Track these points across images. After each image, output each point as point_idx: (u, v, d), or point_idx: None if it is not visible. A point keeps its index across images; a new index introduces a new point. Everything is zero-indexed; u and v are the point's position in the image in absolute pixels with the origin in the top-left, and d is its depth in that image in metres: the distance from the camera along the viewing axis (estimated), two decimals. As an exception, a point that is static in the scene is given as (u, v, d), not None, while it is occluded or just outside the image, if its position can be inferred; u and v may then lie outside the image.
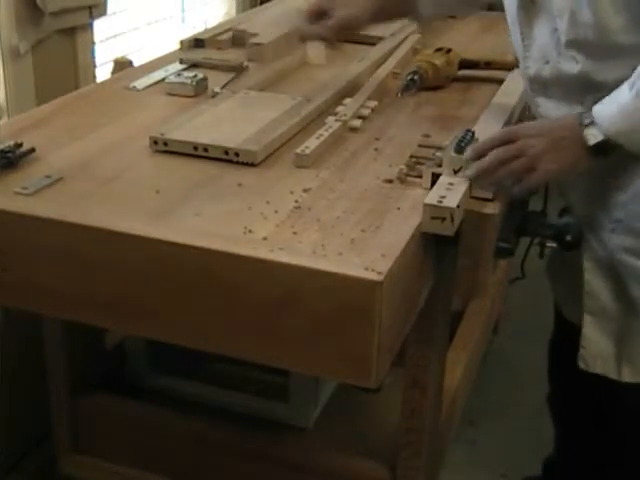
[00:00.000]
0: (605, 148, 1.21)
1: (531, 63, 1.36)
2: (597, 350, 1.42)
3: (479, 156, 1.24)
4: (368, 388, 1.10)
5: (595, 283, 1.39)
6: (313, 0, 1.57)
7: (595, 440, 1.64)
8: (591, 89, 1.26)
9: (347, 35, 1.59)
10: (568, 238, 1.41)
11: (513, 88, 1.64)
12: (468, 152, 1.25)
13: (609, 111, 1.20)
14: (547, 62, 1.33)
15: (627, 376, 1.41)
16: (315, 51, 1.56)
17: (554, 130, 1.25)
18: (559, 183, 1.44)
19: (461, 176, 1.23)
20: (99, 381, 1.73)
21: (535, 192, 1.34)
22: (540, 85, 1.36)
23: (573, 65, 1.28)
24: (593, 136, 1.20)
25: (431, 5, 1.56)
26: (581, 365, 1.44)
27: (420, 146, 1.37)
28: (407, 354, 1.43)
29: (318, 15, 1.54)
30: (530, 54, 1.36)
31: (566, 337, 1.55)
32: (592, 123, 1.20)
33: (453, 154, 1.25)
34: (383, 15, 1.59)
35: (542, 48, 1.33)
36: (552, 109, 1.34)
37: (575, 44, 1.27)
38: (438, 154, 1.29)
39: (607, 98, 1.21)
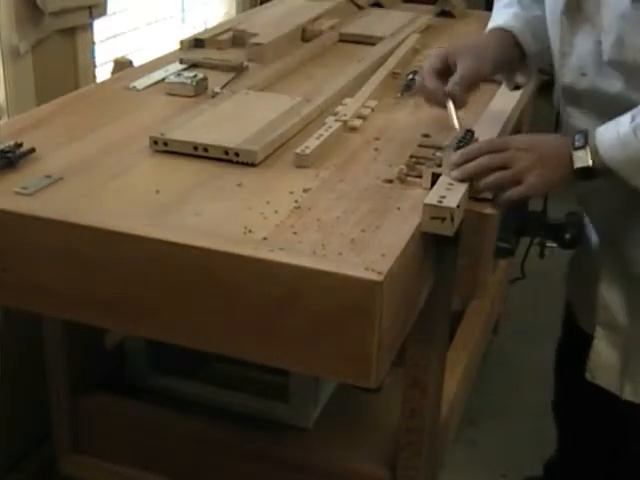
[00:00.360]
0: (591, 173, 1.21)
1: (567, 72, 1.33)
2: (604, 363, 1.42)
3: (468, 160, 1.23)
4: (368, 388, 1.10)
5: (610, 297, 1.38)
6: (435, 54, 1.42)
7: (599, 446, 1.63)
8: (628, 108, 1.23)
9: (474, 89, 1.44)
10: (567, 237, 1.41)
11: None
12: (457, 155, 1.24)
13: (609, 136, 1.19)
14: (584, 75, 1.29)
15: (628, 394, 1.41)
16: (452, 113, 1.39)
17: (544, 147, 1.24)
18: (581, 197, 1.43)
19: (446, 174, 1.23)
20: (99, 381, 1.73)
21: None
22: (573, 96, 1.33)
23: (613, 83, 1.25)
24: (581, 159, 1.20)
25: (530, 35, 1.45)
26: (587, 376, 1.44)
27: (420, 146, 1.37)
28: (407, 354, 1.43)
29: (442, 72, 1.40)
30: (567, 62, 1.32)
31: (577, 345, 1.54)
32: (583, 147, 1.20)
33: (453, 154, 1.25)
34: (505, 62, 1.46)
35: (581, 59, 1.29)
36: (583, 121, 1.31)
37: (619, 65, 1.23)
38: (438, 154, 1.29)
39: (611, 123, 1.21)
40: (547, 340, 1.77)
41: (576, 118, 1.34)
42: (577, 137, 1.22)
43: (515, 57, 1.46)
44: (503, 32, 1.45)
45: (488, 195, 1.24)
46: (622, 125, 1.19)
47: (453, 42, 1.46)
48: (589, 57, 1.28)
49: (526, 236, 1.47)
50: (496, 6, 1.54)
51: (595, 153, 1.20)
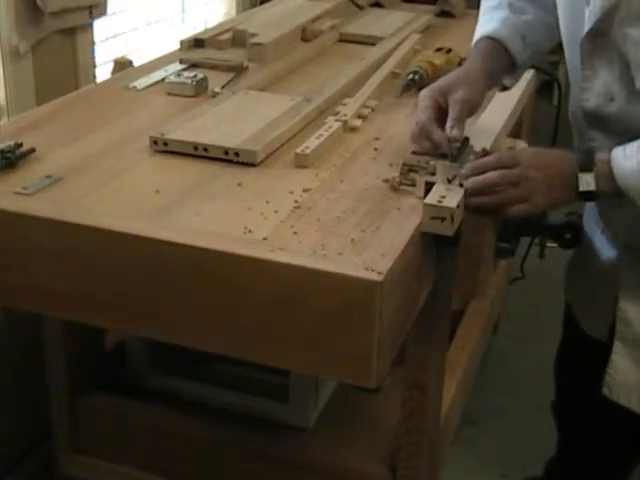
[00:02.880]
0: (596, 196, 1.20)
1: (590, 96, 1.27)
2: (623, 379, 1.39)
3: (478, 173, 1.21)
4: (368, 388, 1.10)
5: (631, 311, 1.36)
6: (425, 105, 1.33)
7: (600, 447, 1.62)
8: None
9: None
10: (567, 236, 1.40)
11: (511, 90, 1.63)
12: (467, 168, 1.22)
13: (629, 165, 1.17)
14: (612, 99, 1.24)
15: None
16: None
17: (552, 166, 1.22)
18: (602, 209, 1.40)
19: (455, 184, 1.21)
20: (99, 381, 1.73)
21: None
22: (599, 120, 1.28)
23: None
24: (586, 183, 1.19)
25: (520, 42, 1.39)
26: (605, 392, 1.40)
27: (414, 153, 1.32)
28: (407, 354, 1.43)
29: (439, 117, 1.32)
30: (590, 86, 1.26)
31: (578, 347, 1.53)
32: (589, 170, 1.19)
33: (447, 163, 1.24)
34: (496, 76, 1.41)
35: (607, 83, 1.23)
36: (609, 145, 1.24)
37: None
38: (432, 162, 1.26)
39: (631, 148, 1.17)
40: (547, 340, 1.76)
41: (599, 141, 1.29)
42: (584, 159, 1.20)
43: (504, 66, 1.42)
44: (492, 42, 1.39)
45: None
46: None
47: (441, 80, 1.38)
48: (617, 82, 1.23)
49: (526, 236, 1.47)
50: (483, 6, 1.47)
51: (606, 177, 1.18)
